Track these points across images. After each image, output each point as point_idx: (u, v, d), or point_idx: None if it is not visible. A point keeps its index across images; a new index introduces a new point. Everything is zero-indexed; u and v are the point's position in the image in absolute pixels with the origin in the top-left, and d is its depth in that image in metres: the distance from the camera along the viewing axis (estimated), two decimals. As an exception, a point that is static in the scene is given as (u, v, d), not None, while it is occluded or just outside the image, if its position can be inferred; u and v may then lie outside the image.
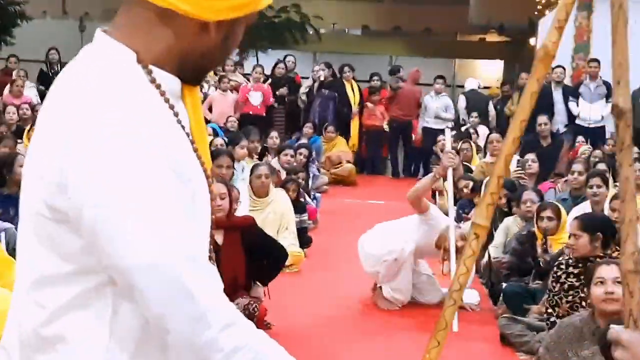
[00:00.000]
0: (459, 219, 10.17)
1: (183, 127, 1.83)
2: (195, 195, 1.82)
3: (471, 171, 11.86)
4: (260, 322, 6.60)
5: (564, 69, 15.57)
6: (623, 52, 1.83)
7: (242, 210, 8.12)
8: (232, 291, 6.45)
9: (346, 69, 16.83)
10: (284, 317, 7.14)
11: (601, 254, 5.98)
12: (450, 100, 16.99)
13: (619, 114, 1.84)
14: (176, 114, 1.81)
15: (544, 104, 14.97)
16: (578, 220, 6.24)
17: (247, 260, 6.63)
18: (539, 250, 7.30)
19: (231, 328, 1.72)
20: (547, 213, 7.43)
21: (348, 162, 15.59)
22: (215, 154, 8.59)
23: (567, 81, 16.00)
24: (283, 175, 11.24)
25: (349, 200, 13.23)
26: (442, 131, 15.89)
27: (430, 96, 16.65)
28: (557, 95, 15.33)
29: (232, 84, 16.08)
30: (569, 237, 6.29)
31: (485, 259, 8.06)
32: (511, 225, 8.21)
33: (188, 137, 1.84)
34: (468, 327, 7.21)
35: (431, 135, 15.78)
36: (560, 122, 14.88)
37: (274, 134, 12.25)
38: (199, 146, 1.88)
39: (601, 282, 5.05)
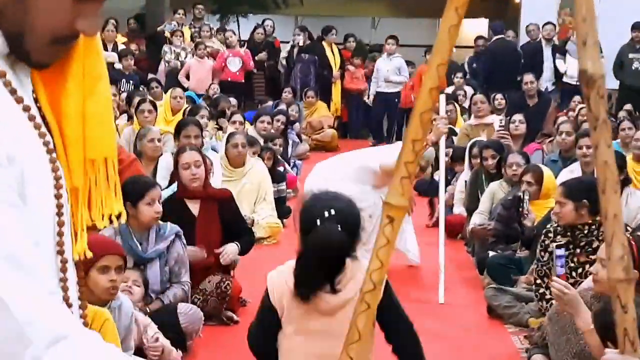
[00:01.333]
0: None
1: (19, 101, 1.53)
2: (24, 176, 1.48)
3: (455, 134, 11.51)
4: (235, 300, 6.28)
5: (554, 25, 15.23)
6: (587, 3, 1.43)
7: (215, 182, 7.75)
8: (204, 267, 6.10)
9: (333, 31, 16.40)
10: (259, 292, 6.77)
11: (589, 221, 5.62)
12: (404, 61, 16.33)
13: (589, 82, 1.41)
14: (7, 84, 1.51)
15: (534, 62, 14.65)
16: (562, 187, 5.85)
17: (223, 233, 6.24)
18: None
19: (60, 344, 1.37)
20: (528, 177, 7.09)
21: (330, 127, 15.22)
22: (182, 124, 8.21)
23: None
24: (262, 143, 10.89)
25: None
26: (396, 94, 15.58)
27: (382, 58, 16.10)
28: (547, 52, 15.04)
29: (209, 50, 15.65)
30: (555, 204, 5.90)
31: (470, 225, 7.70)
32: (497, 190, 7.82)
33: (27, 111, 1.54)
34: (454, 298, 6.91)
35: (384, 100, 15.38)
36: (547, 80, 14.51)
37: (237, 117, 11.38)
38: (52, 124, 1.60)
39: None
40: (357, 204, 3.44)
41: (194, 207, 6.23)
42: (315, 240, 3.24)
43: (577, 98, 13.41)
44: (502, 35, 15.52)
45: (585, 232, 5.64)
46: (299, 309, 3.30)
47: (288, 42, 16.93)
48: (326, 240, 3.21)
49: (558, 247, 4.61)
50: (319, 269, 3.27)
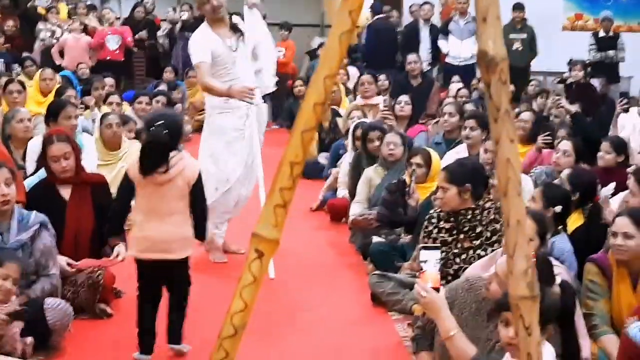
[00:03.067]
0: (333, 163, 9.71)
1: None
2: None
3: (339, 115, 11.35)
4: (109, 291, 5.96)
5: (432, 5, 15.22)
6: None
7: (89, 166, 7.39)
8: (74, 252, 5.76)
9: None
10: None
11: (473, 206, 5.50)
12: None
13: (489, 65, 1.19)
14: None
15: (411, 42, 14.62)
16: (444, 171, 5.69)
17: (96, 219, 5.90)
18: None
19: None
20: (417, 159, 6.94)
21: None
22: (60, 105, 7.78)
23: (437, 19, 15.66)
24: (139, 125, 10.51)
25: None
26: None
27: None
28: (424, 33, 15.02)
29: (88, 27, 15.14)
30: (437, 189, 5.76)
31: (351, 216, 7.54)
32: (372, 176, 7.63)
33: None
34: (336, 284, 6.75)
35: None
36: (424, 61, 14.47)
37: (114, 98, 10.93)
38: None
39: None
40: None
41: (65, 191, 5.90)
42: (148, 137, 4.96)
43: (455, 78, 13.44)
44: (382, 15, 15.44)
45: (469, 217, 5.52)
46: (143, 180, 4.95)
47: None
48: (154, 138, 4.87)
49: (425, 247, 4.41)
50: (152, 156, 4.91)
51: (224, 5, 6.85)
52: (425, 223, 5.70)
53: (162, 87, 13.58)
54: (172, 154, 4.90)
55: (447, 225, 5.57)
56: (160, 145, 4.85)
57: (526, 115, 8.88)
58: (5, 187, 5.08)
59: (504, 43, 1.21)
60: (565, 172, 6.58)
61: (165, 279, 5.06)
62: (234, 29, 6.96)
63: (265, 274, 1.32)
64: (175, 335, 5.09)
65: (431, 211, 5.79)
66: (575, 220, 6.14)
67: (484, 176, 5.66)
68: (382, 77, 12.26)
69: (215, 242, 7.20)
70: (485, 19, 1.21)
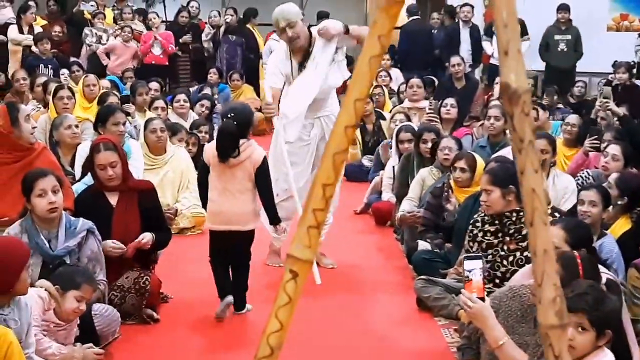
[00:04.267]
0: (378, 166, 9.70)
1: None
2: None
3: (384, 118, 11.35)
4: (155, 297, 6.00)
5: (471, 7, 15.14)
6: (508, 6, 1.21)
7: (137, 171, 7.45)
8: (120, 258, 5.76)
9: (256, 13, 16.10)
10: (182, 286, 6.56)
11: (517, 208, 5.48)
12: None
13: (512, 98, 1.19)
14: None
15: (452, 44, 14.57)
16: (487, 174, 5.68)
17: (142, 225, 5.93)
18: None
19: None
20: (461, 164, 6.91)
21: (257, 110, 14.90)
22: (109, 112, 7.84)
23: (479, 20, 15.57)
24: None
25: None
26: None
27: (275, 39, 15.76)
28: (465, 34, 14.95)
29: (134, 33, 15.28)
30: (482, 192, 5.73)
31: (399, 213, 7.51)
32: (427, 176, 7.62)
33: None
34: (382, 289, 6.75)
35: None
36: (465, 62, 14.41)
37: (159, 103, 10.95)
38: None
39: None
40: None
41: (112, 197, 5.92)
42: (221, 127, 6.09)
43: (498, 79, 13.37)
44: (417, 17, 15.42)
45: (514, 219, 5.51)
46: (218, 164, 5.90)
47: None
48: (226, 128, 5.88)
49: (468, 257, 4.38)
50: (225, 143, 5.86)
51: (300, 37, 6.81)
52: (470, 227, 5.69)
53: (207, 90, 13.63)
54: (241, 141, 5.86)
55: (492, 228, 5.56)
56: (230, 134, 5.84)
57: (572, 119, 8.83)
58: (53, 194, 5.14)
59: (526, 75, 1.21)
60: (614, 176, 6.53)
61: (232, 249, 6.00)
62: (306, 57, 6.90)
63: (300, 295, 1.33)
64: (238, 303, 6.04)
65: (475, 215, 5.78)
66: (622, 225, 6.10)
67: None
68: (427, 80, 12.24)
69: (273, 246, 7.25)
70: (507, 52, 1.22)
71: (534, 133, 1.26)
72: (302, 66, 6.87)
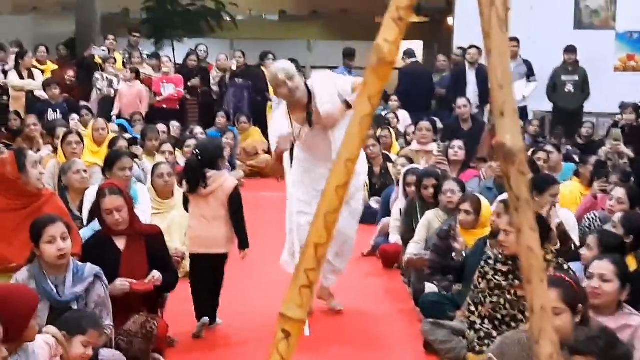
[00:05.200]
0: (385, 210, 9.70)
1: None
2: None
3: (391, 160, 11.38)
4: (162, 341, 5.99)
5: (477, 49, 15.16)
6: (503, 67, 1.24)
7: (144, 215, 7.49)
8: (128, 302, 5.76)
9: (270, 56, 16.20)
10: (189, 330, 6.56)
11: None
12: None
13: (507, 157, 1.23)
14: None
15: (459, 86, 14.62)
16: (509, 215, 5.67)
17: (150, 270, 5.94)
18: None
19: None
20: (466, 206, 6.94)
21: (264, 152, 14.98)
22: (115, 156, 7.90)
23: (484, 61, 15.60)
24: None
25: (266, 193, 12.59)
26: None
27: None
28: (471, 76, 14.97)
29: (142, 76, 15.39)
30: (499, 233, 5.70)
31: (406, 256, 7.53)
32: (433, 219, 7.64)
33: None
34: (389, 332, 6.75)
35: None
36: (472, 104, 14.47)
37: (166, 147, 11.19)
38: None
39: None
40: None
41: (120, 242, 5.95)
42: (185, 163, 7.10)
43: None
44: (415, 59, 15.52)
45: None
46: (192, 194, 6.65)
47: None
48: (189, 163, 6.75)
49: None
50: (190, 176, 6.63)
51: (299, 88, 6.77)
52: (482, 263, 5.68)
53: (214, 132, 13.75)
54: (210, 173, 6.57)
55: (504, 269, 5.56)
56: (193, 168, 6.62)
57: (593, 160, 8.93)
58: (62, 241, 5.17)
59: (521, 135, 1.25)
60: (618, 215, 6.55)
61: (210, 271, 6.64)
62: (308, 119, 6.87)
63: (292, 354, 1.36)
64: (212, 319, 6.67)
65: (488, 252, 5.78)
66: (631, 266, 6.08)
67: (547, 227, 5.65)
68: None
69: (323, 287, 7.20)
70: (502, 113, 1.26)
71: (530, 190, 1.29)
72: (306, 123, 6.86)
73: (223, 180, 6.65)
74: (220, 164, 6.77)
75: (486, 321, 5.54)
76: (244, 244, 6.71)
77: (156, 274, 5.83)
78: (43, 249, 5.17)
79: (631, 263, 6.07)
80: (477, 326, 5.56)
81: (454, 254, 6.95)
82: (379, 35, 1.23)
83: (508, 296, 5.50)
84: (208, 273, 6.65)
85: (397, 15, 1.22)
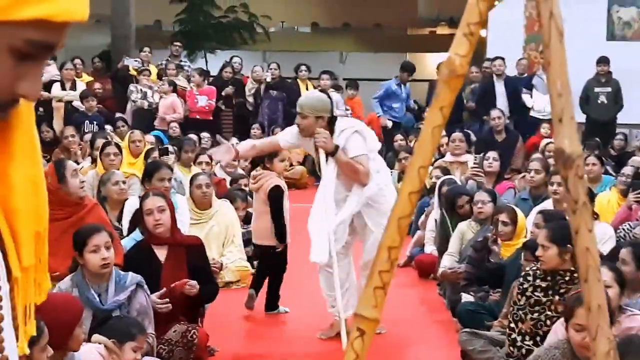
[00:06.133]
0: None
1: None
2: None
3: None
4: (202, 350, 6.05)
5: (502, 59, 15.14)
6: (562, 78, 1.31)
7: (183, 226, 7.58)
8: (169, 314, 5.80)
9: (302, 68, 16.30)
10: (229, 340, 6.64)
11: (572, 269, 5.47)
12: (340, 96, 15.81)
13: (566, 162, 1.29)
14: None
15: (488, 97, 14.64)
16: (547, 229, 5.65)
17: (190, 279, 6.00)
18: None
19: None
20: (503, 217, 6.97)
21: (299, 163, 15.06)
22: (154, 167, 8.02)
23: (511, 72, 15.56)
24: (228, 181, 10.77)
25: (300, 204, 12.66)
26: None
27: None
28: (499, 87, 14.98)
29: (178, 87, 15.55)
30: (537, 248, 5.71)
31: (440, 269, 7.57)
32: (466, 230, 7.69)
33: None
34: (426, 343, 6.79)
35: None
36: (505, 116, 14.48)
37: (203, 157, 11.15)
38: None
39: (580, 329, 4.54)
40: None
41: (161, 253, 6.03)
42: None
43: (545, 126, 13.40)
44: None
45: (567, 278, 5.47)
46: None
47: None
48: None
49: None
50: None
51: (305, 130, 6.55)
52: (521, 280, 5.67)
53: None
54: (257, 172, 7.70)
55: (543, 284, 5.55)
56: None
57: (628, 170, 8.94)
58: (106, 250, 5.27)
59: (579, 140, 1.32)
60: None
61: (263, 259, 7.62)
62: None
63: (367, 351, 1.44)
64: (271, 305, 7.48)
65: (527, 268, 5.79)
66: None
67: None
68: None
69: (332, 320, 6.82)
70: (561, 119, 1.32)
71: (588, 195, 1.35)
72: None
73: (268, 179, 7.38)
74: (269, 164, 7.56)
75: (527, 337, 5.55)
76: (279, 239, 7.37)
77: (192, 283, 5.90)
78: (87, 258, 5.26)
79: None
80: (519, 343, 5.56)
81: (491, 256, 6.97)
82: (451, 49, 1.32)
83: (548, 312, 5.48)
84: (261, 263, 7.67)
85: (468, 30, 1.30)
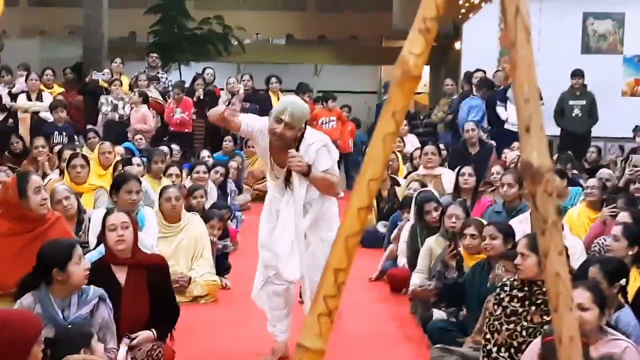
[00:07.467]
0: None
1: None
2: None
3: (398, 184, 11.31)
4: (168, 367, 5.90)
5: (484, 72, 15.13)
6: (530, 80, 1.17)
7: (150, 238, 7.43)
8: (131, 330, 5.61)
9: (273, 79, 16.23)
10: (196, 356, 6.48)
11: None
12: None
13: (535, 177, 1.15)
14: None
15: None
16: (526, 238, 5.58)
17: (151, 302, 5.76)
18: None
19: None
20: (471, 230, 6.88)
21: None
22: (122, 179, 7.85)
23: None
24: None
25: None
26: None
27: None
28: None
29: (150, 101, 15.38)
30: (516, 256, 5.62)
31: (411, 286, 7.45)
32: (434, 246, 7.56)
33: None
34: (397, 358, 6.67)
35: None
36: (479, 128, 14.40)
37: (173, 170, 11.00)
38: None
39: None
40: None
41: (120, 274, 5.75)
42: None
43: (515, 144, 13.31)
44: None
45: (544, 289, 5.38)
46: None
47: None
48: None
49: None
50: None
51: (285, 139, 6.03)
52: (498, 290, 5.58)
53: (220, 156, 13.73)
54: None
55: (520, 294, 5.46)
56: None
57: (594, 182, 8.82)
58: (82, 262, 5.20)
59: (548, 153, 1.18)
60: (619, 229, 6.47)
61: None
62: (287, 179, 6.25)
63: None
64: None
65: (504, 279, 5.69)
66: (635, 279, 5.98)
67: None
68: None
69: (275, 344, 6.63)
70: (528, 128, 1.16)
71: (558, 213, 1.22)
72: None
73: None
74: None
75: (502, 349, 5.44)
76: None
77: (141, 334, 5.65)
78: (72, 271, 5.09)
79: (637, 278, 5.99)
80: (494, 354, 5.45)
81: (446, 273, 6.87)
82: (404, 47, 1.16)
83: (525, 323, 5.39)
84: None
85: (424, 26, 1.14)
